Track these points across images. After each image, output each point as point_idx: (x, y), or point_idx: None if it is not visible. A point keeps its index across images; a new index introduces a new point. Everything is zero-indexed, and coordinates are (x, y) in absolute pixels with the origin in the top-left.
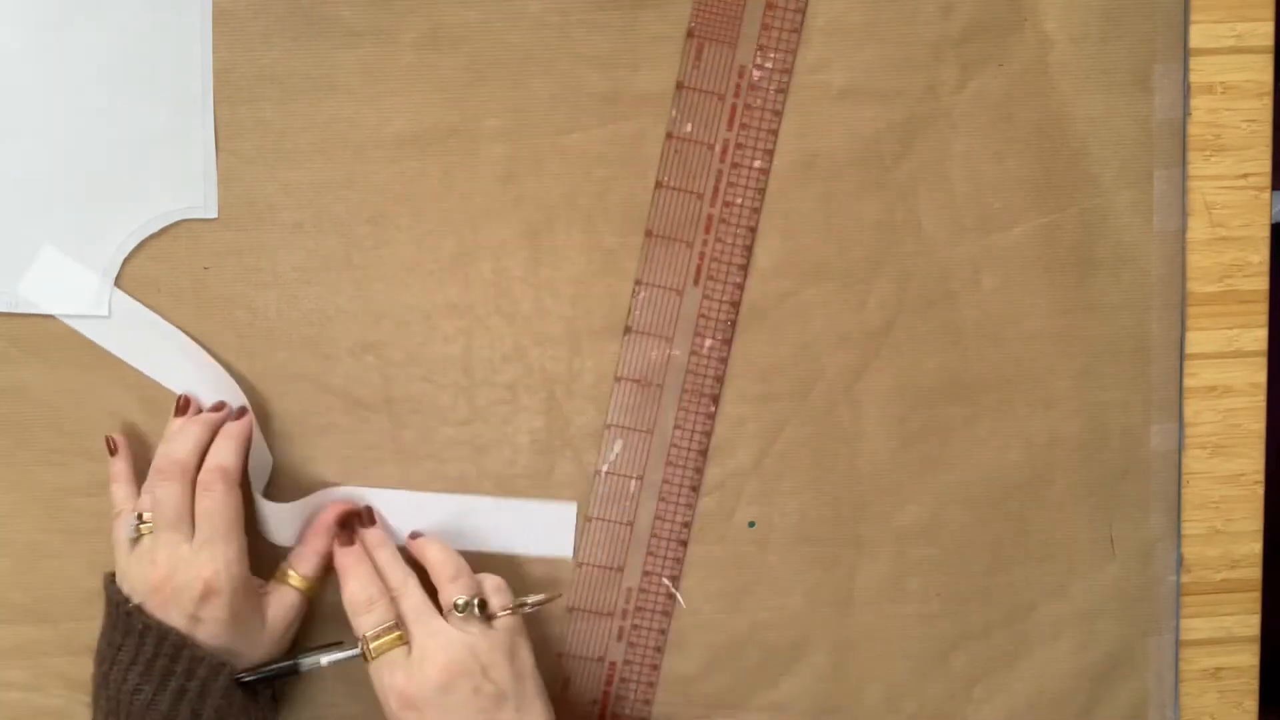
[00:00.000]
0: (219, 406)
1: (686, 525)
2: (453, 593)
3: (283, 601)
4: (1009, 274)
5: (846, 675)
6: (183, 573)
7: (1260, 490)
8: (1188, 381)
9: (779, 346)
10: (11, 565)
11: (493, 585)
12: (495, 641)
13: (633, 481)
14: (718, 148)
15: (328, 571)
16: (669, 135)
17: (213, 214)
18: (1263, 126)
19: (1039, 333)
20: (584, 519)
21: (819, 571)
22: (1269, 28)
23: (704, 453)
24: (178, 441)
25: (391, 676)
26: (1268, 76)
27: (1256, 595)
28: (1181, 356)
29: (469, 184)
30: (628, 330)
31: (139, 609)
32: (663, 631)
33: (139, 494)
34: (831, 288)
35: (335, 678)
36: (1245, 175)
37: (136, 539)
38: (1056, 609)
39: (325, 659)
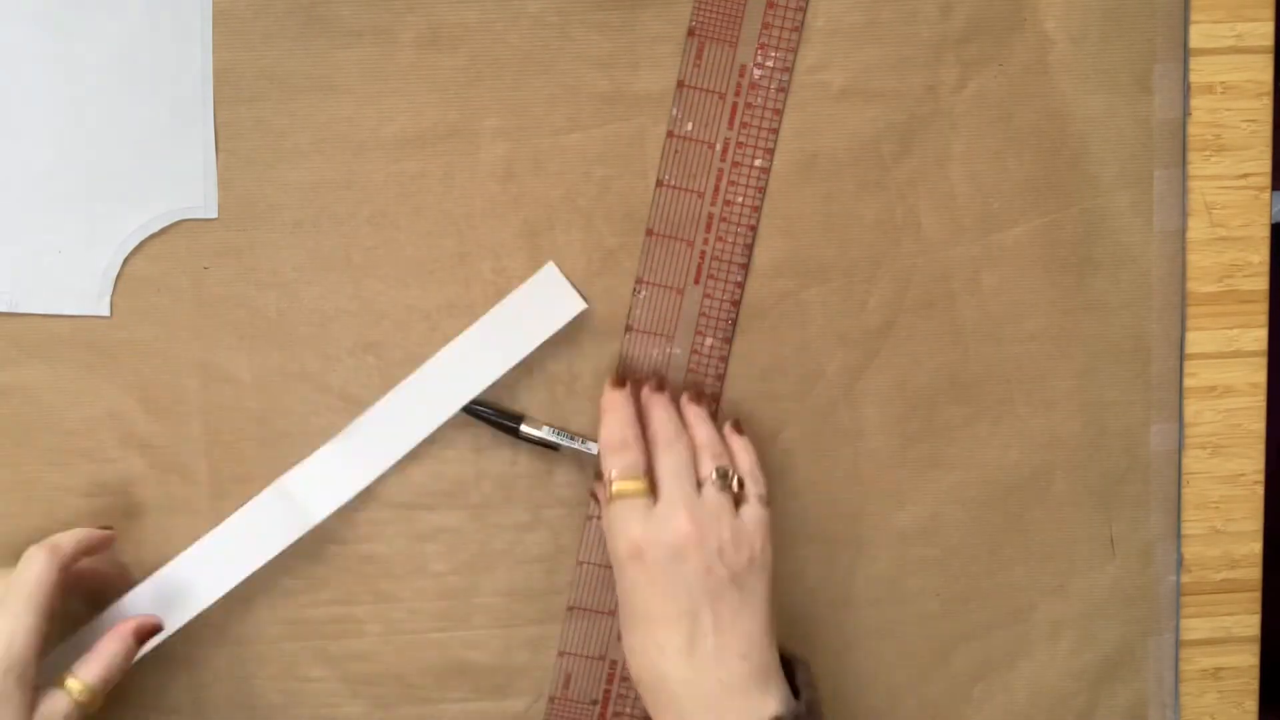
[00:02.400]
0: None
1: None
2: (709, 462)
3: (52, 708)
4: (1009, 274)
5: (846, 675)
6: None
7: (1260, 490)
8: (1188, 381)
9: (779, 346)
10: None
11: (750, 463)
12: (740, 527)
13: None
14: (718, 146)
15: (110, 686)
16: (670, 134)
17: (213, 214)
18: (1263, 126)
19: (1039, 333)
20: (584, 517)
21: (819, 571)
22: (1269, 28)
23: None
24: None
25: (627, 524)
26: (1268, 76)
27: (1256, 595)
28: (1181, 356)
29: (469, 184)
30: (628, 329)
31: None
32: None
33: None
34: (831, 288)
35: (336, 678)
36: (1245, 175)
37: None
38: (1056, 609)
39: (547, 433)
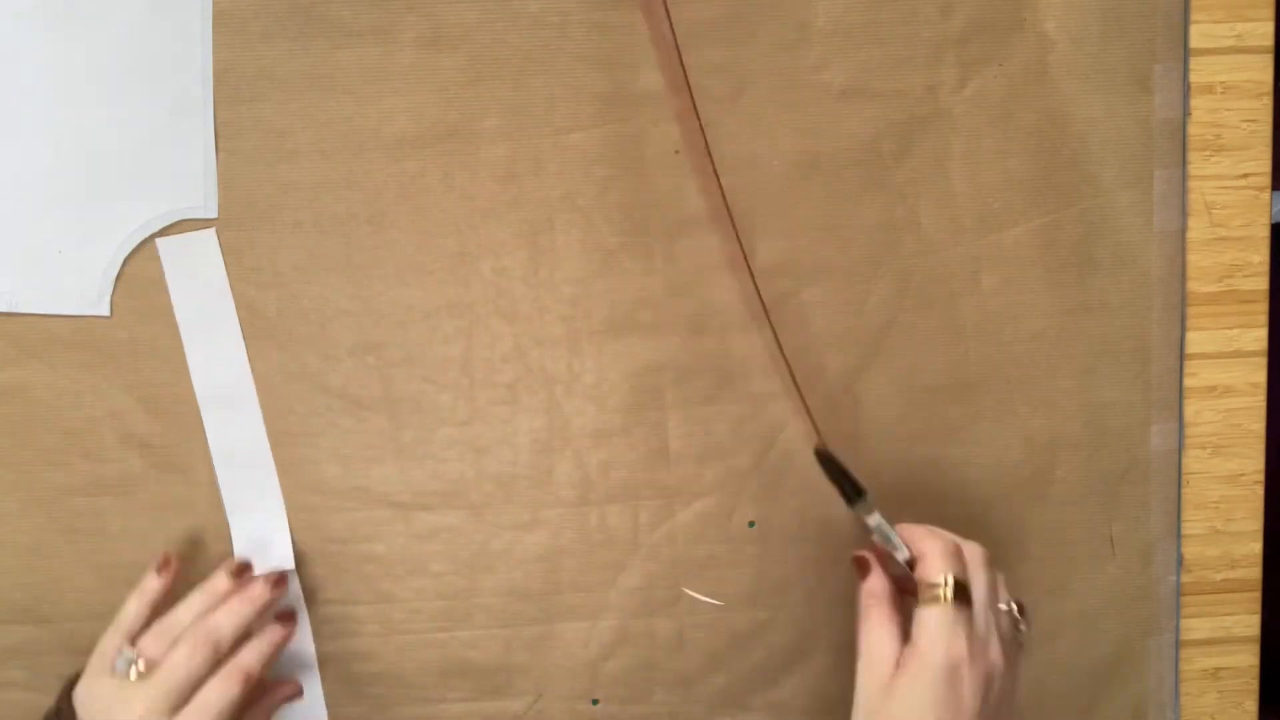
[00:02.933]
0: (278, 581)
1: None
2: (1006, 594)
3: None
4: (1009, 274)
5: (847, 675)
6: None
7: (1260, 490)
8: (1188, 381)
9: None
10: (11, 565)
11: (1010, 603)
12: (1011, 660)
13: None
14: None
15: None
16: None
17: (213, 214)
18: (1263, 126)
19: (1039, 333)
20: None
21: (819, 571)
22: (1269, 28)
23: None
24: (226, 618)
25: (955, 635)
26: (1268, 76)
27: (1256, 595)
28: (1181, 356)
29: (469, 184)
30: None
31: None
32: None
33: (149, 621)
34: (831, 288)
35: (336, 679)
36: (1245, 175)
37: (125, 672)
38: (1056, 609)
39: (889, 531)
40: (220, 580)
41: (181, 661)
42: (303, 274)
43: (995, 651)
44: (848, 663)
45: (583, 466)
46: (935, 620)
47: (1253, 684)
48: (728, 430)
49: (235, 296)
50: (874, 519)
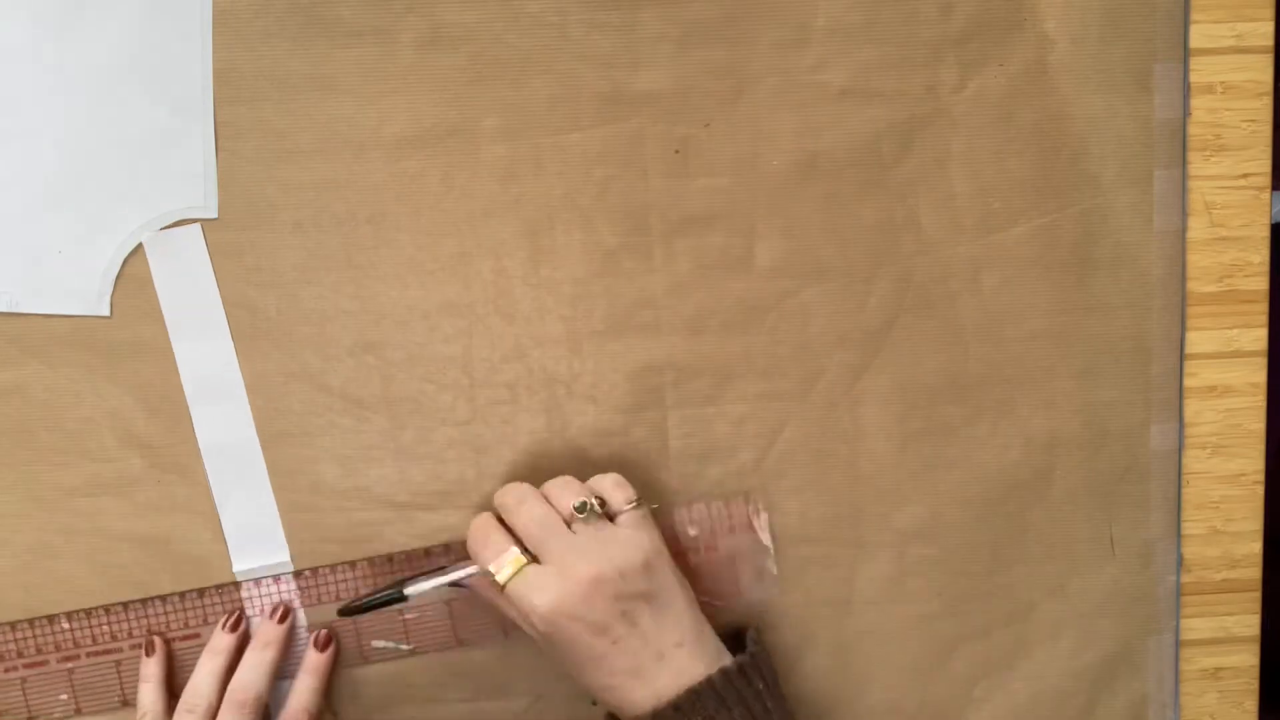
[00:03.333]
0: (283, 615)
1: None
2: (568, 499)
3: None
4: (1009, 274)
5: (847, 675)
6: None
7: (1260, 490)
8: (1188, 381)
9: (779, 346)
10: (11, 565)
11: (611, 482)
12: (624, 541)
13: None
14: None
15: None
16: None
17: (213, 214)
18: (1263, 126)
19: (1039, 333)
20: None
21: (819, 572)
22: (1269, 28)
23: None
24: (251, 676)
25: (530, 599)
26: (1268, 76)
27: (1256, 595)
28: (1181, 356)
29: (469, 184)
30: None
31: None
32: None
33: (169, 698)
34: (831, 288)
35: (336, 679)
36: (1245, 175)
37: None
38: (1056, 609)
39: (431, 583)
40: (221, 638)
41: None
42: (303, 274)
43: (593, 554)
44: (848, 663)
45: (583, 466)
46: (509, 605)
47: (1253, 684)
48: (728, 430)
49: (235, 296)
50: (432, 581)
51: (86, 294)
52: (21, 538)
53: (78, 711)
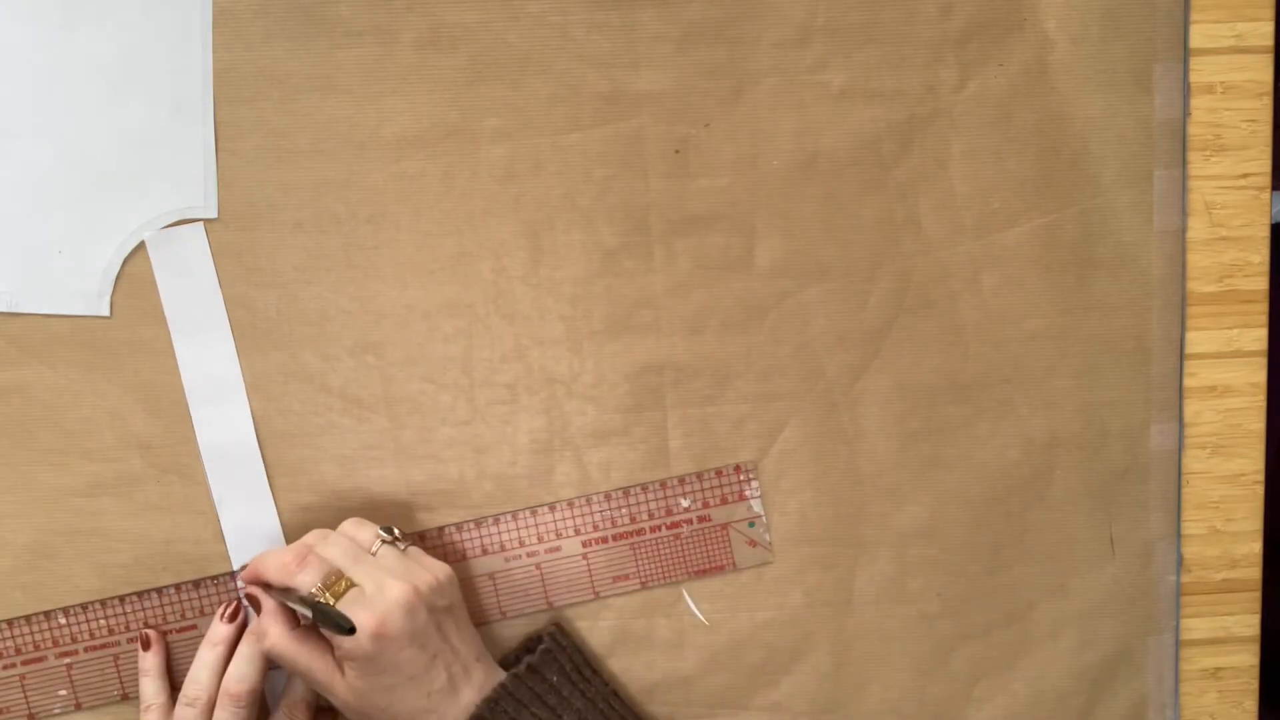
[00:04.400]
0: (231, 620)
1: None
2: (363, 534)
3: None
4: (1009, 274)
5: (846, 675)
6: None
7: (1260, 490)
8: (1188, 381)
9: (779, 346)
10: (11, 565)
11: (354, 523)
12: (422, 561)
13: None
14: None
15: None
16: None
17: (213, 214)
18: (1263, 126)
19: (1039, 333)
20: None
21: (819, 571)
22: (1269, 28)
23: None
24: (248, 666)
25: (357, 618)
26: (1268, 76)
27: (1256, 595)
28: (1181, 356)
29: (469, 184)
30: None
31: None
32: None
33: (170, 689)
34: (831, 288)
35: None
36: (1245, 175)
37: None
38: (1056, 609)
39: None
40: (219, 628)
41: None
42: (303, 274)
43: (405, 574)
44: (848, 663)
45: (583, 466)
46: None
47: (1253, 684)
48: (728, 430)
49: (235, 296)
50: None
51: (86, 294)
52: (21, 538)
53: (77, 707)
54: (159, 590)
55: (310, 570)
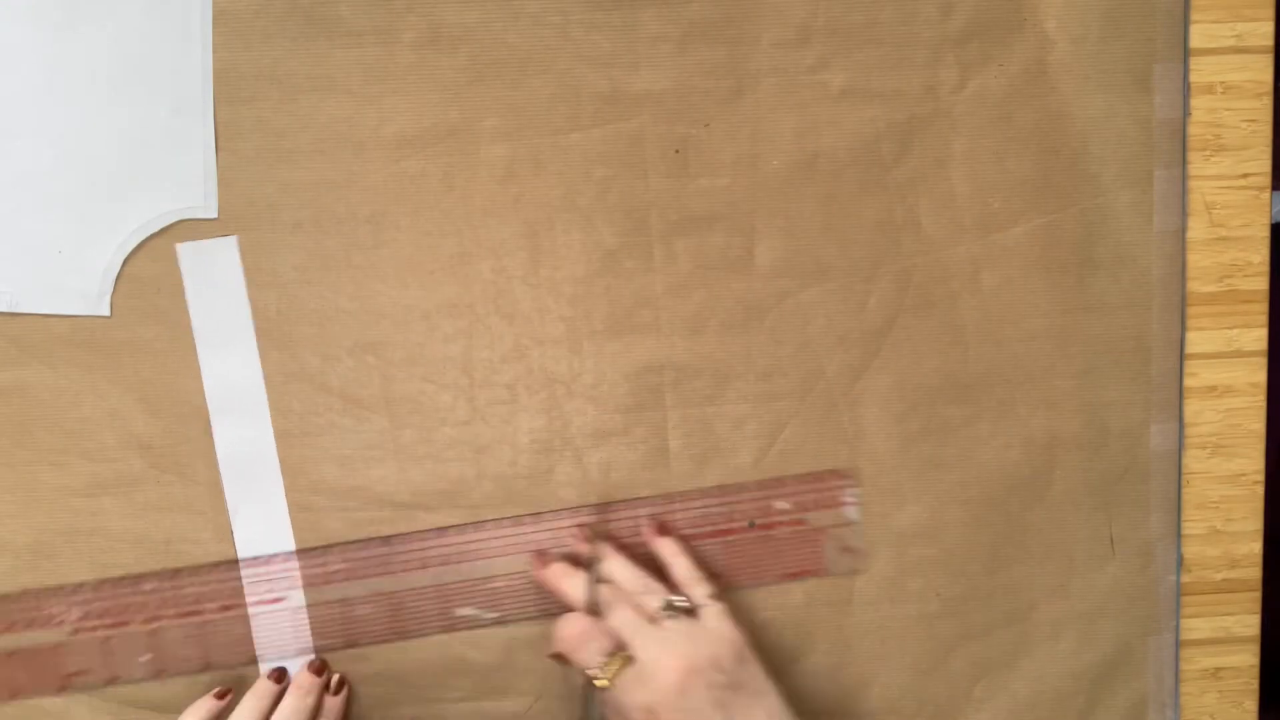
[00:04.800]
0: (320, 668)
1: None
2: (651, 600)
3: None
4: (1009, 274)
5: (846, 675)
6: None
7: (1260, 490)
8: (1188, 381)
9: (779, 346)
10: (12, 565)
11: (686, 575)
12: (710, 633)
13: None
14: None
15: None
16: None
17: (213, 214)
18: (1263, 126)
19: (1039, 333)
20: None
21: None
22: (1269, 28)
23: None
24: (293, 715)
25: (632, 694)
26: (1268, 76)
27: (1256, 595)
28: (1181, 356)
29: (469, 184)
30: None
31: None
32: None
33: None
34: (831, 288)
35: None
36: (1245, 175)
37: None
38: (1056, 609)
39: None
40: (264, 684)
41: None
42: (303, 274)
43: (684, 649)
44: (848, 663)
45: (583, 466)
46: (608, 701)
47: (1253, 684)
48: (728, 430)
49: None
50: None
51: (86, 294)
52: (21, 538)
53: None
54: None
55: (594, 647)
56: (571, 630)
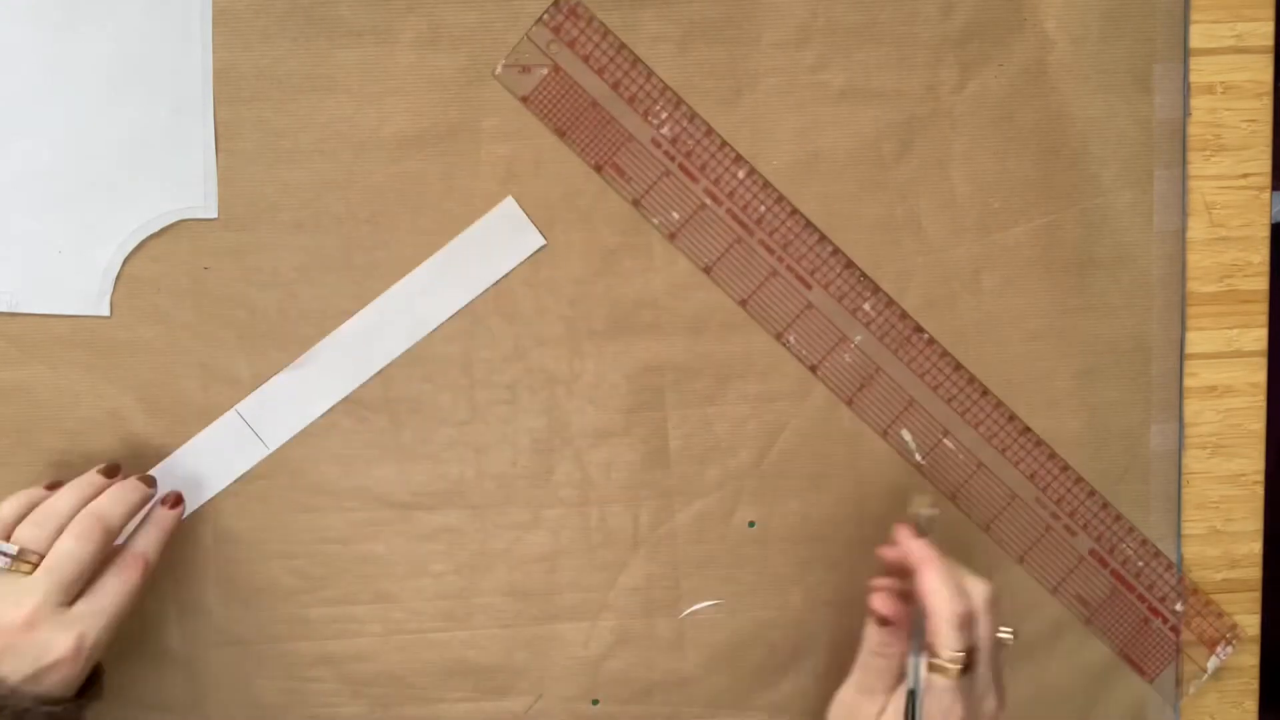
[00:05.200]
0: (150, 482)
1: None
2: (984, 640)
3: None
4: (1009, 274)
5: (846, 675)
6: (46, 632)
7: (1260, 490)
8: (1188, 381)
9: (779, 346)
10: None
11: (987, 603)
12: (993, 701)
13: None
14: (704, 201)
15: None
16: (672, 236)
17: (213, 214)
18: (1263, 126)
19: (1039, 333)
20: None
21: (820, 572)
22: (1269, 28)
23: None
24: (110, 503)
25: (954, 703)
26: (1268, 76)
27: (1256, 595)
28: (1181, 356)
29: (469, 184)
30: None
31: None
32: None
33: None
34: (831, 288)
35: (336, 678)
36: (1245, 175)
37: (5, 568)
38: (1056, 609)
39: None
40: (93, 476)
41: (72, 549)
42: (303, 274)
43: (990, 704)
44: (848, 663)
45: (583, 466)
46: (938, 693)
47: (1253, 684)
48: (728, 430)
49: (235, 296)
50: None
51: (86, 294)
52: None
53: None
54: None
55: (965, 636)
56: (961, 609)
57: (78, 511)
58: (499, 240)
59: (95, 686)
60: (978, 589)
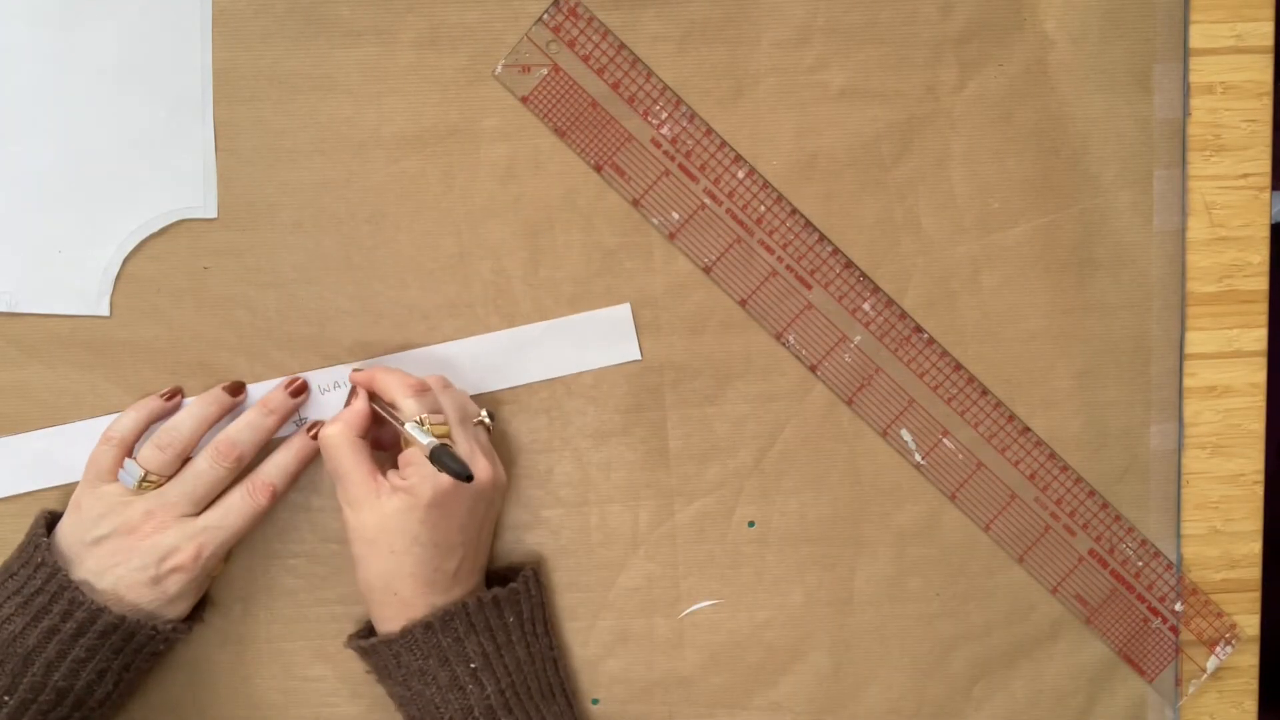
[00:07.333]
0: (298, 389)
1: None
2: (472, 408)
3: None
4: (1009, 274)
5: (846, 675)
6: (172, 537)
7: (1260, 490)
8: (1187, 381)
9: (779, 346)
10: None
11: (436, 379)
12: (499, 463)
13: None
14: (704, 200)
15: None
16: (671, 235)
17: (213, 214)
18: (1263, 126)
19: (1039, 333)
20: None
21: (819, 571)
22: (1269, 28)
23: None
24: (248, 433)
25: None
26: (1268, 76)
27: (1256, 595)
28: (1181, 356)
29: (469, 184)
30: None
31: (47, 544)
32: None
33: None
34: (831, 288)
35: (336, 677)
36: (1245, 175)
37: (133, 487)
38: (1056, 609)
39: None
40: (217, 393)
41: (204, 470)
42: (303, 274)
43: (480, 467)
44: (848, 663)
45: (583, 466)
46: (419, 461)
47: (1253, 684)
48: (727, 430)
49: (235, 296)
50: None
51: (86, 294)
52: (21, 538)
53: None
54: None
55: (423, 403)
56: (404, 378)
57: (200, 431)
58: (597, 336)
59: (199, 613)
60: (429, 377)
